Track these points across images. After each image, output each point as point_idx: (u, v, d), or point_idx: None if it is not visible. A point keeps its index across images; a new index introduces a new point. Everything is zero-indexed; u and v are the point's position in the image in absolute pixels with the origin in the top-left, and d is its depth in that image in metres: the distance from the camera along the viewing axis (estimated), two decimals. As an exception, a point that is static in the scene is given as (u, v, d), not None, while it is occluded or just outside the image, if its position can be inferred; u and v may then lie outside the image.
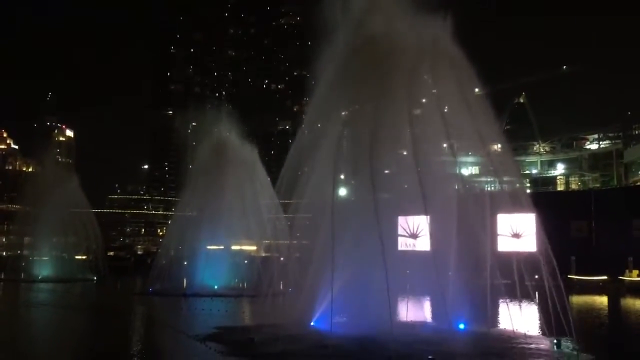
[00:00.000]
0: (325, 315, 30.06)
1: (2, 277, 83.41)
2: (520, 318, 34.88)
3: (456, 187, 35.31)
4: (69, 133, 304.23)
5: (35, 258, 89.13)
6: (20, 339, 32.76)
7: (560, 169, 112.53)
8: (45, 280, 79.08)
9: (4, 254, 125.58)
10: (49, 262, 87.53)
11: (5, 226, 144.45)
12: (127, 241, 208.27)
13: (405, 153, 33.37)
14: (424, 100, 34.75)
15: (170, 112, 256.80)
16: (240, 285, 63.96)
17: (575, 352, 26.50)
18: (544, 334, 32.35)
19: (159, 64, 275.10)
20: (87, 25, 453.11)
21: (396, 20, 32.37)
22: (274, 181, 66.07)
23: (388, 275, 26.79)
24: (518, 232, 74.51)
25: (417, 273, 31.17)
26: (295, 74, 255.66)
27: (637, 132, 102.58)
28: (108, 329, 37.47)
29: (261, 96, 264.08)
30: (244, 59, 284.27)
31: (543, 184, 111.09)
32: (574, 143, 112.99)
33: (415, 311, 34.48)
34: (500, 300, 39.93)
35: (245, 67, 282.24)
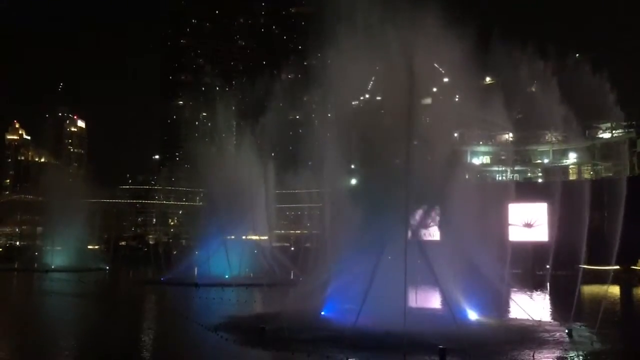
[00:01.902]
0: (335, 305, 30.14)
1: (16, 266, 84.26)
2: (531, 307, 34.87)
3: (467, 177, 35.12)
4: (81, 123, 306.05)
5: (48, 248, 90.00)
6: (35, 327, 33.14)
7: (572, 158, 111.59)
8: (58, 269, 79.87)
9: (18, 243, 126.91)
10: (62, 252, 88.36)
11: (19, 216, 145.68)
12: (138, 231, 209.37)
13: (416, 143, 33.19)
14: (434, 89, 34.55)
15: (181, 102, 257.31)
16: (251, 274, 64.29)
17: (587, 341, 26.44)
18: (555, 322, 32.33)
19: (169, 55, 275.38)
20: (97, 15, 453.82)
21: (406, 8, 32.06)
22: (283, 170, 66.16)
23: (402, 265, 26.73)
24: (530, 222, 74.26)
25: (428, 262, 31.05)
26: (305, 63, 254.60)
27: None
28: (122, 318, 37.80)
29: (271, 86, 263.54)
30: (253, 49, 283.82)
31: (555, 173, 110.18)
32: (587, 132, 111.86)
33: (427, 300, 34.45)
34: (512, 290, 39.92)
35: (255, 57, 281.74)
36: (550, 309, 38.74)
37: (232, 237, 69.31)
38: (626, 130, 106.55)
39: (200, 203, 72.92)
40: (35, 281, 68.35)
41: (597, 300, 51.00)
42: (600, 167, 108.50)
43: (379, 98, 32.93)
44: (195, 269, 63.78)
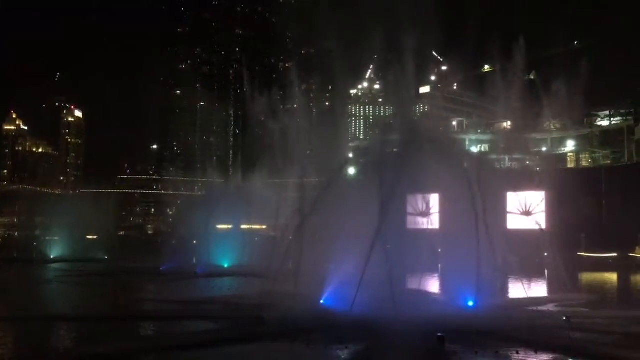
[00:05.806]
0: (334, 294, 30.21)
1: (15, 256, 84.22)
2: (528, 295, 35.00)
3: (466, 165, 35.08)
4: (78, 113, 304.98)
5: (47, 238, 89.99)
6: (36, 313, 33.20)
7: (570, 146, 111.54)
8: (57, 260, 79.86)
9: (16, 234, 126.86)
10: (61, 242, 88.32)
11: (17, 207, 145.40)
12: (137, 221, 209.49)
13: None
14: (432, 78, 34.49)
15: (179, 91, 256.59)
16: (251, 264, 64.31)
17: (585, 326, 26.56)
18: (552, 310, 32.47)
19: (167, 44, 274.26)
20: (93, 4, 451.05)
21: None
22: (281, 160, 66.05)
23: (398, 253, 26.80)
24: (528, 210, 74.34)
25: (427, 251, 31.18)
26: (302, 52, 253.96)
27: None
28: (122, 306, 37.88)
29: (268, 75, 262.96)
30: (251, 38, 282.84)
31: (553, 161, 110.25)
32: (585, 120, 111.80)
33: (425, 288, 34.55)
34: (510, 277, 40.07)
35: (252, 46, 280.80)
36: (548, 295, 38.85)
37: (230, 226, 69.36)
38: (624, 117, 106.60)
39: (199, 193, 72.84)
40: (34, 271, 68.28)
41: (595, 287, 51.25)
42: (598, 154, 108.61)
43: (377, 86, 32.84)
44: (194, 259, 63.81)
